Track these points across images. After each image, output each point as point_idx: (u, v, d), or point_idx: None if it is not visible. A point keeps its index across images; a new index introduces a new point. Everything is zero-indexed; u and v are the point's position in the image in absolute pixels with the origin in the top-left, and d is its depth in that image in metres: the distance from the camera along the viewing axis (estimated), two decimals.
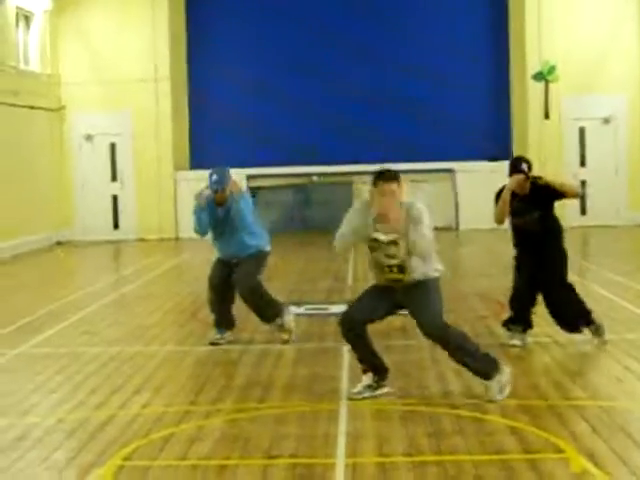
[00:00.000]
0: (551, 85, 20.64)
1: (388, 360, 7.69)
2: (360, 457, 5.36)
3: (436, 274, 6.62)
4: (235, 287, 8.77)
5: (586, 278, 12.23)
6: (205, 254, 18.00)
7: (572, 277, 12.60)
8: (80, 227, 21.62)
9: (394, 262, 6.50)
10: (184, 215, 21.36)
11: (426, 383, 7.07)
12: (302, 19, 21.99)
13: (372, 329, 9.56)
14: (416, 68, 21.44)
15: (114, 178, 21.77)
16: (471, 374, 6.64)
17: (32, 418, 6.43)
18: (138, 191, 21.58)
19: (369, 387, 6.70)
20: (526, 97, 21.23)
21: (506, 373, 6.54)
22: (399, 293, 6.61)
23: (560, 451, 5.36)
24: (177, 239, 21.18)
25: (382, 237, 6.46)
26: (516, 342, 8.23)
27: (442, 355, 8.00)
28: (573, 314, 8.06)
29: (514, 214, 8.29)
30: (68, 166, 21.64)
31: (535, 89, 20.92)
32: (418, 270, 6.52)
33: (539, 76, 20.70)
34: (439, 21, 21.93)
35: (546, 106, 20.75)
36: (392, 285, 6.59)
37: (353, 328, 6.70)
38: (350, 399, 6.56)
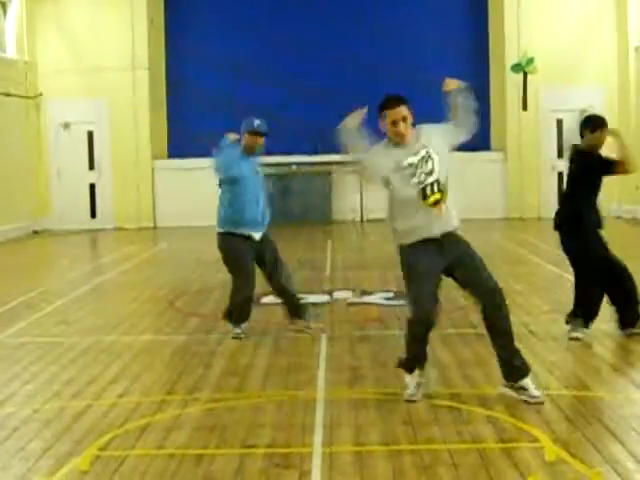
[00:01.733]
0: (529, 77, 20.71)
1: (366, 350, 7.74)
2: (337, 446, 5.38)
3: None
4: (271, 273, 8.54)
5: (563, 269, 12.28)
6: (184, 243, 18.01)
7: (550, 268, 12.75)
8: (57, 216, 21.52)
9: (432, 179, 6.19)
10: (162, 204, 21.34)
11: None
12: (283, 4, 21.94)
13: (346, 318, 9.58)
14: (395, 60, 21.45)
15: (91, 167, 21.68)
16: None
17: (7, 408, 6.40)
18: (116, 180, 21.50)
19: (419, 385, 6.34)
20: (504, 88, 21.30)
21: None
22: (446, 248, 6.19)
23: (535, 440, 5.39)
24: (155, 228, 21.13)
25: (415, 158, 6.19)
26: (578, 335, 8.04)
27: None
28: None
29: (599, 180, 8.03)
30: (45, 154, 21.54)
31: (513, 81, 20.98)
32: (448, 189, 6.25)
33: (517, 68, 20.77)
34: (418, 13, 21.94)
35: (524, 98, 20.82)
36: (435, 238, 6.15)
37: (430, 321, 6.27)
38: (408, 401, 6.20)
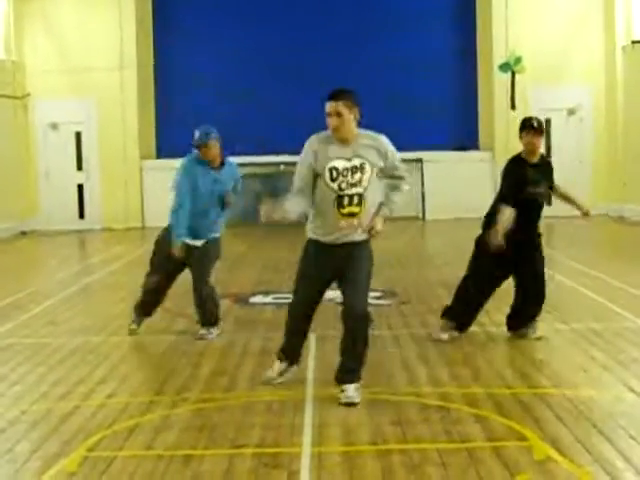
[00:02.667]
0: (517, 76, 20.75)
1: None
2: (326, 446, 5.37)
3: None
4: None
5: (551, 268, 12.29)
6: None
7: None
8: (45, 217, 21.45)
9: (355, 191, 6.19)
10: (150, 204, 21.28)
11: (391, 372, 7.09)
12: (271, 5, 21.91)
13: (334, 318, 9.58)
14: (382, 59, 21.45)
15: (79, 167, 21.61)
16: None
17: None
18: (104, 180, 21.44)
19: (282, 372, 6.76)
20: (493, 88, 21.32)
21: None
22: (339, 256, 6.27)
23: (524, 439, 5.40)
24: (143, 228, 21.08)
25: (342, 164, 6.18)
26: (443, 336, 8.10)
27: (407, 344, 8.06)
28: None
29: (530, 182, 7.82)
30: (33, 155, 21.45)
31: (502, 80, 21.01)
32: (373, 205, 6.25)
33: (506, 67, 20.79)
34: (406, 11, 21.93)
35: (512, 97, 20.85)
36: (334, 245, 6.25)
37: (303, 314, 6.63)
38: (265, 384, 6.67)
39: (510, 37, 21.01)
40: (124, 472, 5.02)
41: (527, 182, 7.75)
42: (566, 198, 8.15)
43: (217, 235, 8.60)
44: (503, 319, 8.99)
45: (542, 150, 8.16)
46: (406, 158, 21.75)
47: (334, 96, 6.27)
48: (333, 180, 6.19)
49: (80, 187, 21.64)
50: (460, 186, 20.97)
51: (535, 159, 7.85)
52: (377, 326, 8.86)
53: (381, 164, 6.30)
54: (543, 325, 8.33)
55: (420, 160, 20.76)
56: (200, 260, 8.47)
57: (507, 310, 8.26)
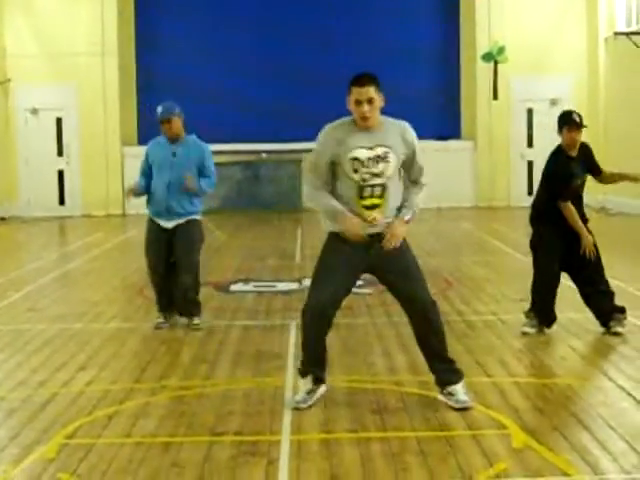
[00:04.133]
0: (500, 66, 20.78)
1: (334, 338, 7.72)
2: (305, 434, 5.37)
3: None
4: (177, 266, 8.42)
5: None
6: None
7: (519, 257, 12.79)
8: (25, 203, 21.34)
9: (378, 182, 5.68)
10: None
11: (371, 360, 7.10)
12: None
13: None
14: (365, 48, 21.40)
15: (60, 153, 21.50)
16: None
17: None
18: (84, 166, 21.34)
19: (310, 392, 5.89)
20: (475, 78, 21.34)
21: None
22: (371, 247, 5.74)
23: (503, 427, 5.41)
24: (124, 215, 21.00)
25: (365, 154, 5.63)
26: (528, 330, 7.91)
27: (388, 332, 8.07)
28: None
29: (575, 176, 7.71)
30: (13, 140, 21.32)
31: (484, 70, 21.03)
32: (395, 198, 5.80)
33: (488, 57, 20.83)
34: (390, 1, 21.90)
35: (495, 87, 20.89)
36: (362, 240, 5.67)
37: (324, 315, 5.77)
38: (295, 409, 5.81)
39: (493, 27, 21.03)
40: (103, 459, 5.01)
41: (573, 176, 7.74)
42: (618, 178, 8.11)
43: (197, 217, 8.46)
44: (482, 308, 9.04)
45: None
46: None
47: (364, 81, 5.66)
48: (355, 171, 5.64)
49: (60, 173, 21.54)
50: (442, 176, 20.99)
51: (575, 152, 7.81)
52: (359, 314, 8.88)
53: (405, 153, 5.80)
54: (579, 316, 8.26)
55: None
56: (184, 247, 8.35)
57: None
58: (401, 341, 7.70)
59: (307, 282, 10.83)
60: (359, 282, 10.44)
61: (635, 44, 18.12)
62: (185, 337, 8.12)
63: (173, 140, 8.40)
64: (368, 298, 9.66)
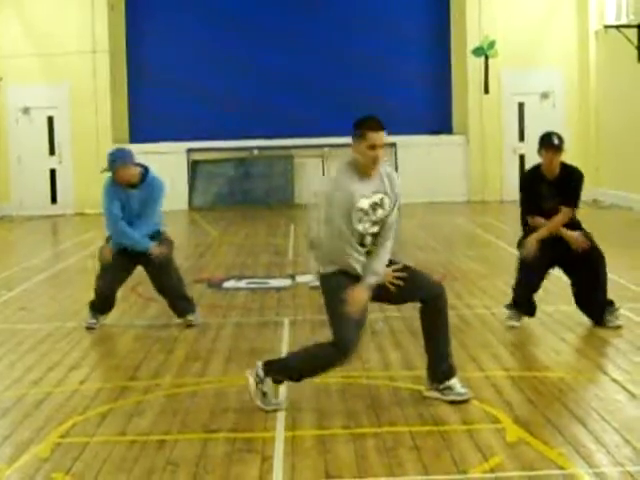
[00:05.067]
0: (491, 60, 20.79)
1: (328, 334, 7.71)
2: (299, 430, 5.37)
3: None
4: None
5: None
6: None
7: (512, 251, 12.77)
8: (17, 202, 21.28)
9: (376, 229, 5.63)
10: None
11: (366, 356, 7.09)
12: None
13: (309, 302, 9.58)
14: (356, 44, 21.39)
15: (52, 152, 21.45)
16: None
17: None
18: (76, 165, 21.29)
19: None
20: (466, 72, 21.34)
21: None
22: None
23: (496, 421, 5.42)
24: None
25: (366, 202, 5.56)
26: (514, 323, 7.96)
27: (381, 328, 8.07)
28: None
29: (544, 198, 7.70)
30: (4, 139, 21.26)
31: (475, 64, 21.04)
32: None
33: (479, 51, 20.84)
34: None
35: (486, 81, 20.91)
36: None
37: (354, 352, 5.70)
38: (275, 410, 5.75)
39: (483, 21, 21.03)
40: (97, 458, 5.00)
41: (541, 197, 7.71)
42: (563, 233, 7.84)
43: (158, 228, 8.50)
44: (475, 302, 9.05)
45: (570, 162, 7.88)
46: None
47: (380, 126, 5.60)
48: (359, 221, 5.56)
49: (52, 172, 21.48)
50: (434, 170, 21.03)
51: (553, 176, 7.71)
52: None
53: (392, 199, 5.69)
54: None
55: (394, 144, 20.76)
56: (160, 262, 8.36)
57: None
58: (394, 337, 7.70)
59: (300, 278, 10.90)
60: None
61: (625, 37, 18.14)
62: (178, 335, 8.11)
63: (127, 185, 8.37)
64: None
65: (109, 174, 8.36)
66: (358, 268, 5.62)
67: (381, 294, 5.78)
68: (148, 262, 8.36)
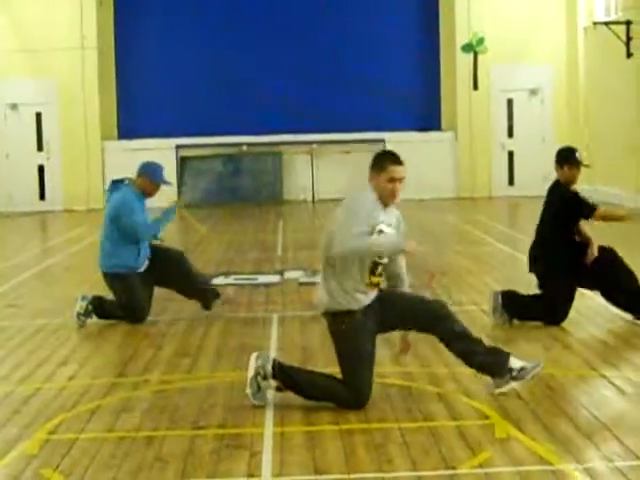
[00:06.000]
0: (480, 56, 20.81)
1: (316, 330, 7.73)
2: (288, 426, 5.37)
3: None
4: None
5: (514, 248, 12.38)
6: None
7: (500, 247, 12.83)
8: (5, 198, 21.21)
9: (385, 261, 5.74)
10: None
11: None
12: None
13: (297, 298, 9.57)
14: (345, 40, 21.40)
15: (40, 148, 21.39)
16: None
17: None
18: (65, 161, 21.24)
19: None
20: (455, 68, 21.36)
21: None
22: (376, 309, 5.76)
23: (485, 417, 5.43)
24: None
25: (387, 229, 5.69)
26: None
27: None
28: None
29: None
30: None
31: (464, 60, 21.06)
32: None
33: (468, 47, 20.86)
34: None
35: (475, 77, 20.93)
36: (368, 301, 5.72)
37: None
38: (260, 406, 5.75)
39: (472, 18, 21.05)
40: (86, 454, 4.99)
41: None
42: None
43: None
44: (464, 298, 9.06)
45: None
46: (368, 139, 21.89)
47: (401, 160, 5.75)
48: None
49: (41, 168, 21.43)
50: (423, 167, 21.03)
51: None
52: None
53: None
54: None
55: (382, 140, 20.77)
56: (172, 257, 8.67)
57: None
58: (384, 334, 7.69)
59: (289, 274, 10.88)
60: None
61: (614, 33, 18.18)
62: (167, 331, 8.10)
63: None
64: None
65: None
66: (363, 300, 5.67)
67: (385, 317, 5.78)
68: (162, 267, 8.52)
